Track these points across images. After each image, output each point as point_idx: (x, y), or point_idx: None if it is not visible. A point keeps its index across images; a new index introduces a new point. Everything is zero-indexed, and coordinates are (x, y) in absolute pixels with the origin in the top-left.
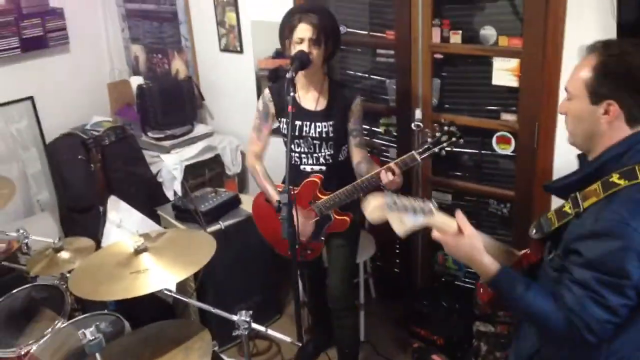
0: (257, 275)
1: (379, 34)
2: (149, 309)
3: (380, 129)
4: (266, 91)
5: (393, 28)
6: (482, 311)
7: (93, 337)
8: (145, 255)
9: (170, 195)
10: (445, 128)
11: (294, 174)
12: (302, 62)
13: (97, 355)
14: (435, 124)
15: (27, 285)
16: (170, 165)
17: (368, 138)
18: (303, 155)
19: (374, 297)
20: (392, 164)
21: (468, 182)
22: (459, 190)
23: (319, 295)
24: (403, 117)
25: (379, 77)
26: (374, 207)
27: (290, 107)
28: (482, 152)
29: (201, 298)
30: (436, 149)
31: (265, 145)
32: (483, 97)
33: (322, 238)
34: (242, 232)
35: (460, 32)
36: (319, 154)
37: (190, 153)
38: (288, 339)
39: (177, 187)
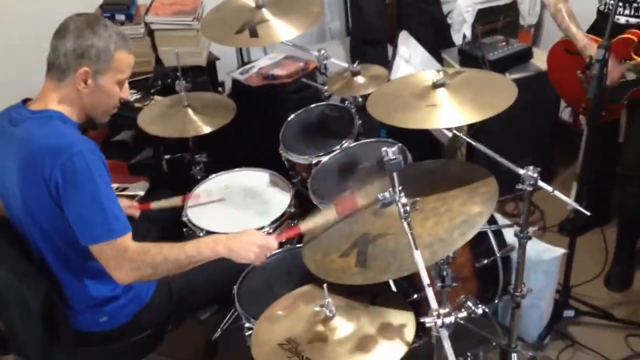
0: (532, 136)
1: None
2: (420, 145)
3: None
4: None
5: None
6: None
7: (394, 157)
8: (441, 91)
9: (457, 39)
10: None
11: (603, 25)
12: None
13: (395, 174)
14: None
15: (322, 103)
16: (462, 7)
17: None
18: (619, 3)
19: None
20: None
21: None
22: None
23: (604, 163)
24: None
25: None
26: None
27: None
28: None
29: (471, 147)
30: None
31: None
32: None
33: (624, 102)
34: (529, 88)
35: None
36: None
37: None
38: (573, 203)
39: (467, 30)
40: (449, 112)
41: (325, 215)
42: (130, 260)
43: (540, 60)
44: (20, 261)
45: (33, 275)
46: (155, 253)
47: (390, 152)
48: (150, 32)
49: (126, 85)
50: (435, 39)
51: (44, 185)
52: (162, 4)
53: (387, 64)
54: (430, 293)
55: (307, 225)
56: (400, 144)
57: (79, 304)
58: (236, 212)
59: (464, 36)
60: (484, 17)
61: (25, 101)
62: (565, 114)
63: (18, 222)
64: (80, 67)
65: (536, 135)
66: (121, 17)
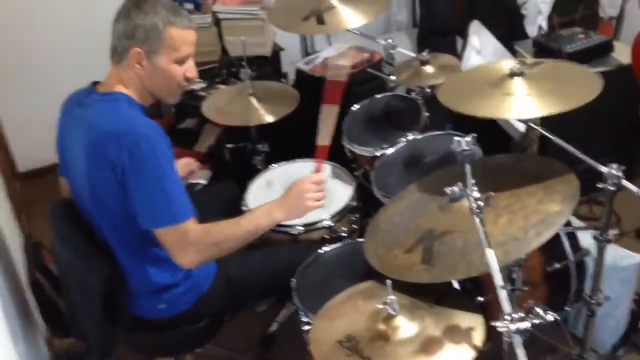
0: (610, 134)
1: None
2: (489, 140)
3: None
4: None
5: None
6: None
7: (468, 148)
8: (518, 80)
9: (532, 31)
10: None
11: None
12: None
13: (467, 166)
14: None
15: (388, 94)
16: None
17: None
18: None
19: None
20: None
21: None
22: None
23: None
24: None
25: None
26: None
27: None
28: None
29: (544, 143)
30: None
31: None
32: None
33: None
34: (608, 83)
35: None
36: None
37: None
38: None
39: (543, 22)
40: (526, 102)
41: (328, 116)
42: (192, 243)
43: (621, 53)
44: (84, 243)
45: (95, 258)
46: (215, 232)
47: (464, 142)
48: (217, 22)
49: (190, 63)
50: (508, 30)
51: (110, 168)
52: None
53: (457, 56)
54: (503, 295)
55: (323, 137)
56: (474, 134)
57: (138, 289)
58: None
59: (540, 27)
60: (561, 8)
61: (95, 84)
62: None
63: (83, 204)
64: (131, 48)
65: (614, 133)
66: (189, 6)
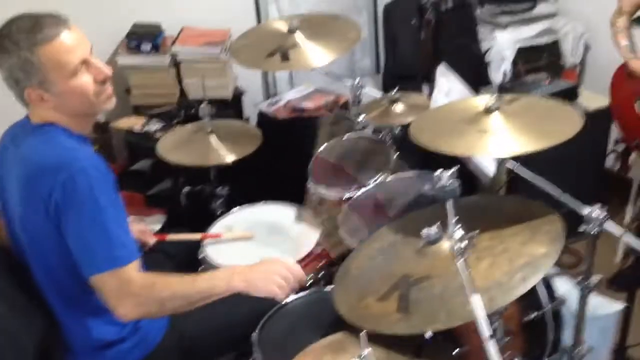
0: (575, 182)
1: None
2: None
3: None
4: None
5: None
6: None
7: (449, 183)
8: (495, 116)
9: (496, 77)
10: None
11: None
12: None
13: (449, 202)
14: None
15: (354, 134)
16: (503, 44)
17: None
18: None
19: None
20: None
21: None
22: None
23: None
24: None
25: None
26: None
27: None
28: None
29: (514, 185)
30: None
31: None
32: None
33: None
34: None
35: None
36: None
37: (526, 33)
38: None
39: (507, 67)
40: (500, 140)
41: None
42: (134, 294)
43: (586, 100)
44: (20, 296)
45: (31, 312)
46: (162, 287)
47: (445, 176)
48: (176, 64)
49: (93, 64)
50: (473, 77)
51: (43, 207)
52: (190, 36)
53: None
54: (492, 347)
55: (335, 249)
56: (457, 167)
57: (78, 347)
58: (259, 249)
59: (504, 73)
60: (524, 56)
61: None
62: (609, 160)
63: (19, 250)
64: (23, 92)
65: (580, 181)
66: (147, 47)
